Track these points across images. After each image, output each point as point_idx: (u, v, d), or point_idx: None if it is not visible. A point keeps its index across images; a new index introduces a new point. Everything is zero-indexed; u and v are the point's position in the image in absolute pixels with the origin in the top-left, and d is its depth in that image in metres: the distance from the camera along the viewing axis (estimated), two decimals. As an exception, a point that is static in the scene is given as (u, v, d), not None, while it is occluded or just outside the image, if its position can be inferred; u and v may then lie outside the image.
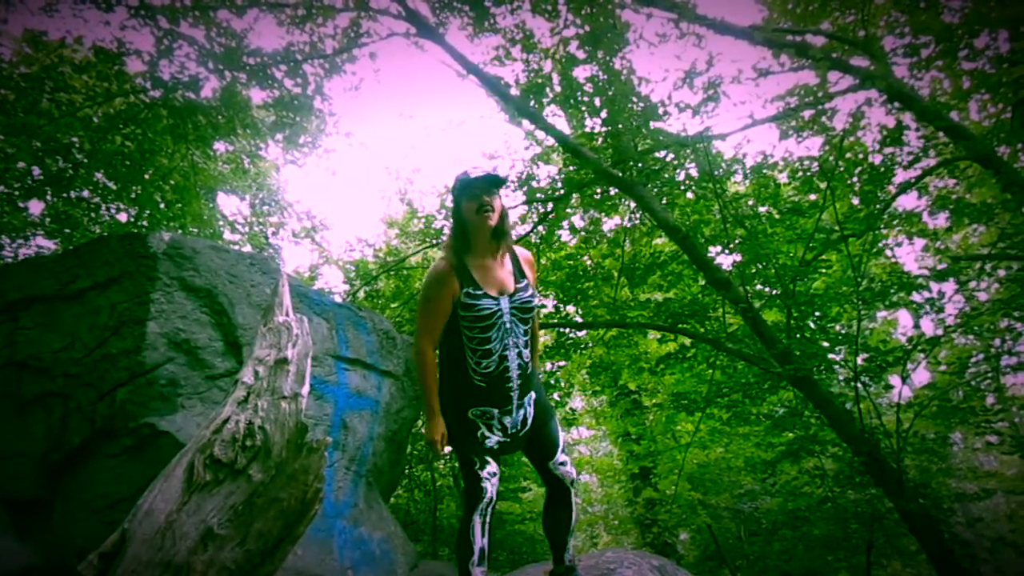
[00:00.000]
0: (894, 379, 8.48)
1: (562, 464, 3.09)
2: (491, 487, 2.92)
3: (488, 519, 2.91)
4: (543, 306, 2.98)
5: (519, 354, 2.98)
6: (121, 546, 2.04)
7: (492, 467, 2.96)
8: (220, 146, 11.98)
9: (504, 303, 2.96)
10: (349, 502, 4.69)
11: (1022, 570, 8.65)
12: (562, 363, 11.87)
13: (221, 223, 12.61)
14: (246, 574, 2.08)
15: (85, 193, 10.47)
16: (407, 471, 10.28)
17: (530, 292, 3.03)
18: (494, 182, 2.95)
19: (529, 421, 3.05)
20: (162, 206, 11.28)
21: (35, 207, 10.58)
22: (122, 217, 11.06)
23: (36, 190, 9.79)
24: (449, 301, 2.94)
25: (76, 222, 10.32)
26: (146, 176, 10.76)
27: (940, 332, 7.92)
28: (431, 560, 6.38)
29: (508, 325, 2.96)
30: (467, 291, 2.93)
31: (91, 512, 3.68)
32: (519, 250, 3.17)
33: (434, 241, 12.31)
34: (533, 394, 3.07)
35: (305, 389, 2.41)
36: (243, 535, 2.09)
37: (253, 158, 12.67)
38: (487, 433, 2.98)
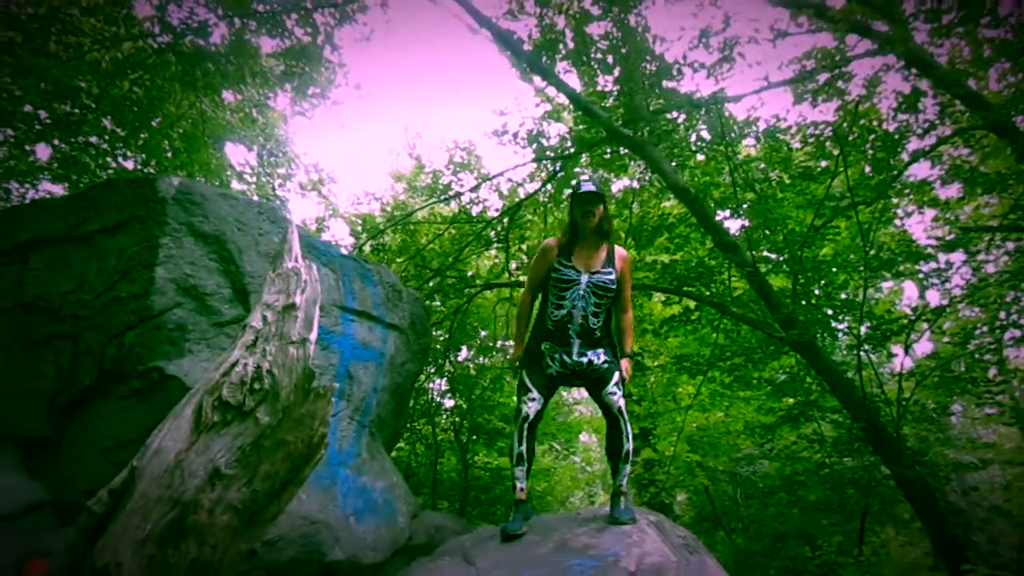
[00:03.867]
0: (896, 349, 8.50)
1: (611, 394, 3.93)
2: (528, 409, 3.91)
3: (525, 432, 3.91)
4: (620, 290, 4.10)
5: (584, 316, 3.97)
6: (130, 483, 2.08)
7: (534, 394, 3.95)
8: (228, 95, 11.86)
9: (584, 277, 3.99)
10: (353, 452, 4.74)
11: (1015, 540, 8.74)
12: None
13: (229, 173, 12.55)
14: (252, 513, 2.12)
15: (93, 139, 10.40)
16: (409, 424, 10.37)
17: (611, 276, 4.01)
18: (597, 195, 4.01)
19: (590, 365, 3.95)
20: (169, 155, 11.22)
21: (42, 152, 10.55)
22: (129, 164, 11.01)
23: (44, 134, 9.72)
24: (545, 266, 4.09)
25: (84, 167, 10.27)
26: (154, 123, 10.69)
27: (946, 303, 7.91)
28: (431, 511, 6.47)
29: (582, 292, 3.98)
30: (560, 260, 4.04)
31: (99, 452, 3.73)
32: (619, 249, 4.18)
33: (441, 196, 12.27)
34: (601, 351, 3.99)
35: (313, 335, 2.42)
36: (250, 476, 2.12)
37: (261, 108, 12.55)
38: (550, 363, 3.98)
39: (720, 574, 2.52)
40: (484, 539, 3.92)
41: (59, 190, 10.33)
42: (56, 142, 10.07)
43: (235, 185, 12.56)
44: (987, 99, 8.35)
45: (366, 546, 4.29)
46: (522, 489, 3.91)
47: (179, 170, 11.05)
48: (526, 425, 3.90)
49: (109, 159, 10.54)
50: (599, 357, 3.98)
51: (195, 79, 9.83)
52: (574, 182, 4.47)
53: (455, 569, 3.41)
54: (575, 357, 3.96)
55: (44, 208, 4.49)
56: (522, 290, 4.41)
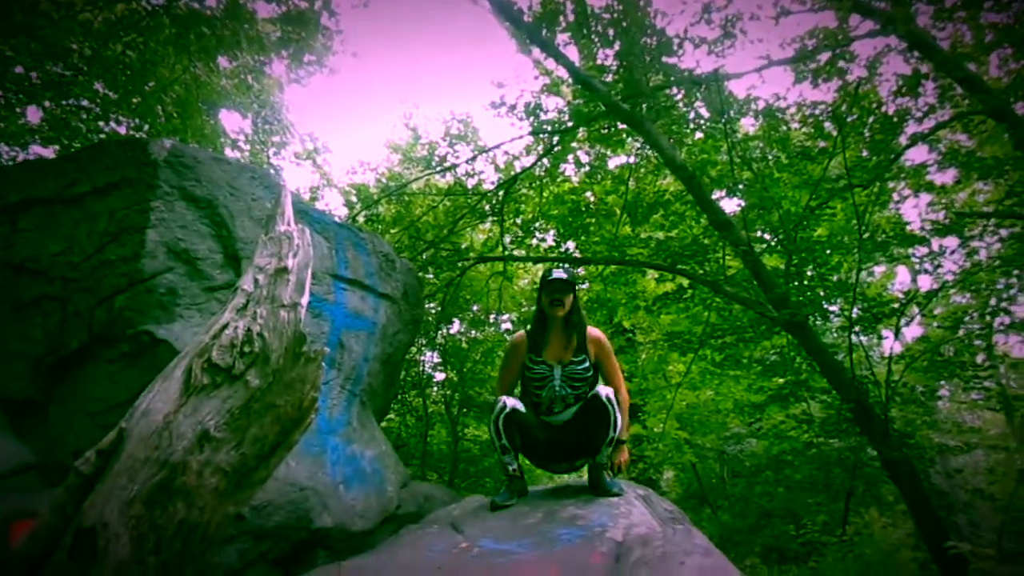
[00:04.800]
0: (887, 332, 8.53)
1: (600, 389, 3.79)
2: (508, 401, 3.76)
3: (502, 425, 3.72)
4: (599, 373, 4.12)
5: (564, 404, 3.97)
6: (118, 444, 2.06)
7: (514, 399, 3.83)
8: (223, 61, 11.69)
9: (556, 371, 3.95)
10: (343, 420, 4.74)
11: (996, 524, 8.84)
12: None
13: (223, 140, 12.42)
14: (241, 476, 2.11)
15: (84, 102, 10.25)
16: (400, 396, 10.39)
17: (584, 365, 3.95)
18: (566, 284, 3.93)
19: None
20: (162, 120, 11.08)
21: (33, 115, 10.41)
22: (121, 129, 10.87)
23: (35, 94, 9.58)
24: (517, 363, 4.07)
25: (75, 131, 10.14)
26: (147, 87, 10.54)
27: (937, 287, 7.93)
28: (420, 481, 6.50)
29: (558, 387, 3.95)
30: (530, 357, 4.01)
31: (87, 415, 3.71)
32: (590, 329, 4.07)
33: (437, 168, 12.20)
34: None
35: (305, 299, 2.40)
36: (239, 439, 2.11)
37: (257, 75, 12.39)
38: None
39: (705, 543, 2.54)
40: (472, 509, 3.94)
41: (49, 153, 10.21)
42: (47, 104, 9.93)
43: (229, 152, 12.43)
44: (987, 84, 8.32)
45: (354, 513, 4.30)
46: (514, 469, 3.87)
47: (172, 135, 10.93)
48: (502, 416, 3.74)
49: (101, 123, 10.40)
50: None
51: (189, 43, 9.66)
52: (544, 271, 4.37)
53: (443, 537, 3.43)
54: (562, 417, 3.98)
55: (34, 169, 4.43)
56: (495, 392, 4.40)
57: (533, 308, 4.78)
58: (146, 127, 10.80)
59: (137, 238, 3.69)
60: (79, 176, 4.00)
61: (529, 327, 4.15)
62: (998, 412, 12.43)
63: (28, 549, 1.93)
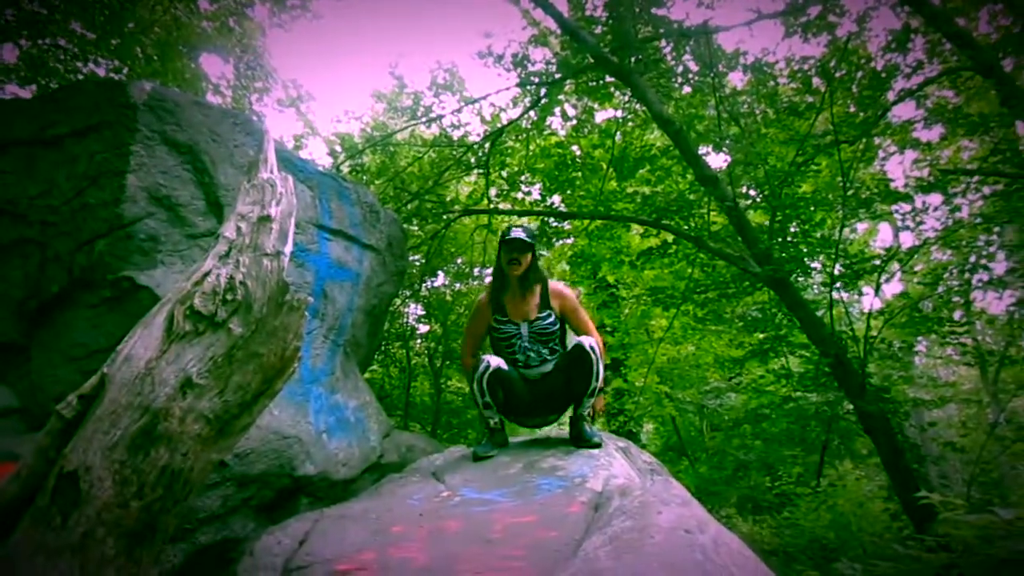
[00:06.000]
0: (868, 288, 8.62)
1: (579, 338, 3.83)
2: (491, 360, 3.81)
3: (486, 384, 3.78)
4: (567, 325, 4.13)
5: (539, 359, 4.01)
6: (100, 389, 2.06)
7: (496, 357, 3.89)
8: (204, 3, 11.43)
9: (524, 328, 3.99)
10: (326, 370, 4.75)
11: (966, 476, 9.07)
12: (544, 252, 11.89)
13: (205, 84, 12.17)
14: (223, 423, 2.12)
15: (62, 42, 9.98)
16: (383, 347, 10.43)
17: (550, 320, 3.98)
18: (525, 243, 3.89)
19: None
20: (143, 62, 10.82)
21: (9, 54, 10.12)
22: (100, 71, 10.62)
23: (10, 32, 9.29)
24: (484, 324, 4.15)
25: (52, 71, 9.89)
26: (127, 28, 10.27)
27: (919, 244, 8.00)
28: (403, 431, 6.56)
29: (527, 344, 4.00)
30: (496, 317, 4.06)
31: (68, 360, 3.69)
32: (552, 284, 4.11)
33: (423, 118, 12.06)
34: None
35: (288, 248, 2.38)
36: (222, 386, 2.11)
37: (239, 17, 12.11)
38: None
39: (683, 493, 2.59)
40: (454, 458, 4.00)
41: (27, 94, 9.97)
42: (23, 43, 9.66)
43: (211, 98, 12.18)
44: (976, 40, 8.27)
45: (337, 462, 4.35)
46: (495, 422, 3.95)
47: (152, 78, 10.68)
48: (487, 375, 3.78)
49: (79, 63, 10.14)
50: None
51: (169, -19, 9.42)
52: (504, 228, 4.41)
53: (425, 486, 3.47)
54: (540, 370, 4.02)
55: (11, 109, 4.32)
56: (461, 353, 4.51)
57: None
58: (125, 69, 10.55)
59: (117, 182, 3.63)
60: (58, 117, 3.91)
61: (489, 287, 4.19)
62: (973, 367, 12.68)
63: (11, 492, 1.94)
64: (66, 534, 1.80)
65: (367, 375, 7.75)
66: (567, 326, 4.10)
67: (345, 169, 11.21)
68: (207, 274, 2.24)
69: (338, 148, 13.35)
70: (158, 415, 1.98)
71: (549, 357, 4.01)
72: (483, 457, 3.78)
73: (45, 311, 3.87)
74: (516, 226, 4.00)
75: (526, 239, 3.89)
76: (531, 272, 3.96)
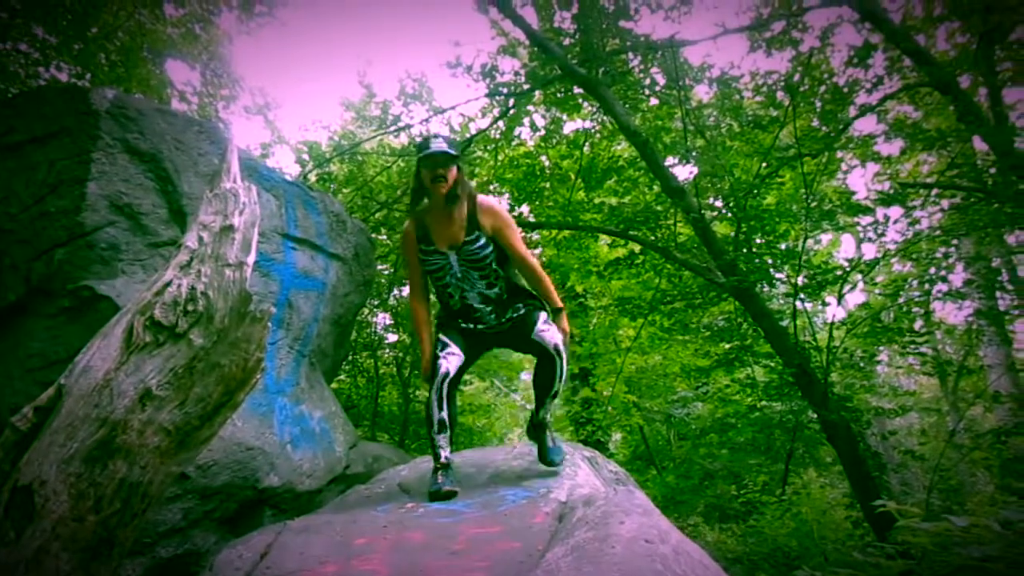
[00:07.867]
0: (830, 299, 8.76)
1: (543, 331, 3.41)
2: (445, 363, 3.39)
3: (444, 393, 3.40)
4: (502, 249, 3.51)
5: (480, 294, 3.52)
6: (57, 401, 2.03)
7: (453, 348, 3.46)
8: (169, 8, 11.30)
9: (452, 257, 3.48)
10: (291, 380, 4.71)
11: (926, 483, 9.24)
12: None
13: (170, 91, 12.03)
14: (184, 435, 2.10)
15: (23, 46, 9.80)
16: (351, 357, 10.35)
17: (480, 243, 3.44)
18: (449, 156, 3.36)
19: (509, 321, 3.55)
20: (106, 68, 10.67)
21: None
22: (63, 76, 10.45)
23: (-33, 36, 9.12)
24: (413, 255, 3.60)
25: (12, 76, 9.71)
26: (89, 33, 10.11)
27: (880, 256, 8.15)
28: (370, 442, 6.52)
29: (460, 274, 3.50)
30: (421, 247, 3.54)
31: (26, 371, 3.62)
32: (481, 199, 3.53)
33: (391, 127, 12.04)
34: (520, 305, 3.55)
35: (251, 258, 2.37)
36: (183, 398, 2.09)
37: (205, 24, 12.00)
38: (469, 325, 3.57)
39: (646, 502, 2.61)
40: (421, 469, 3.97)
41: (-15, 99, 9.76)
42: (-19, 47, 9.47)
43: (177, 104, 12.04)
44: (934, 57, 8.49)
45: (302, 473, 4.30)
46: (446, 456, 3.42)
47: (116, 85, 10.53)
48: (444, 384, 3.37)
49: (41, 68, 9.97)
50: (518, 311, 3.54)
51: (134, -13, 9.30)
52: (420, 140, 3.83)
53: (390, 497, 3.46)
54: (493, 322, 3.55)
55: (-32, 115, 4.24)
56: (408, 292, 4.05)
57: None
58: (88, 75, 10.40)
59: (77, 190, 3.58)
60: (16, 123, 3.85)
61: (410, 211, 3.71)
62: (932, 377, 12.94)
63: (-38, 507, 1.90)
64: (20, 549, 1.77)
65: (334, 385, 7.69)
66: (504, 251, 3.55)
67: (313, 178, 11.15)
68: (168, 284, 2.22)
69: (306, 156, 13.25)
70: (116, 427, 1.96)
71: (486, 291, 3.51)
72: (448, 495, 3.24)
73: (2, 321, 3.80)
74: (435, 136, 3.43)
75: (450, 151, 3.36)
76: (457, 187, 3.42)
